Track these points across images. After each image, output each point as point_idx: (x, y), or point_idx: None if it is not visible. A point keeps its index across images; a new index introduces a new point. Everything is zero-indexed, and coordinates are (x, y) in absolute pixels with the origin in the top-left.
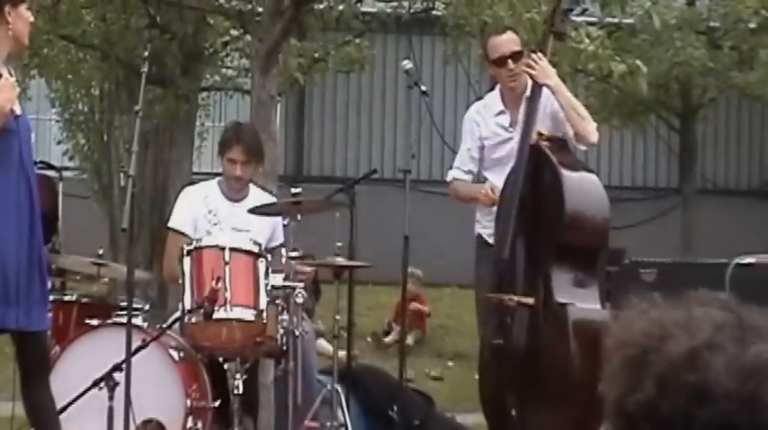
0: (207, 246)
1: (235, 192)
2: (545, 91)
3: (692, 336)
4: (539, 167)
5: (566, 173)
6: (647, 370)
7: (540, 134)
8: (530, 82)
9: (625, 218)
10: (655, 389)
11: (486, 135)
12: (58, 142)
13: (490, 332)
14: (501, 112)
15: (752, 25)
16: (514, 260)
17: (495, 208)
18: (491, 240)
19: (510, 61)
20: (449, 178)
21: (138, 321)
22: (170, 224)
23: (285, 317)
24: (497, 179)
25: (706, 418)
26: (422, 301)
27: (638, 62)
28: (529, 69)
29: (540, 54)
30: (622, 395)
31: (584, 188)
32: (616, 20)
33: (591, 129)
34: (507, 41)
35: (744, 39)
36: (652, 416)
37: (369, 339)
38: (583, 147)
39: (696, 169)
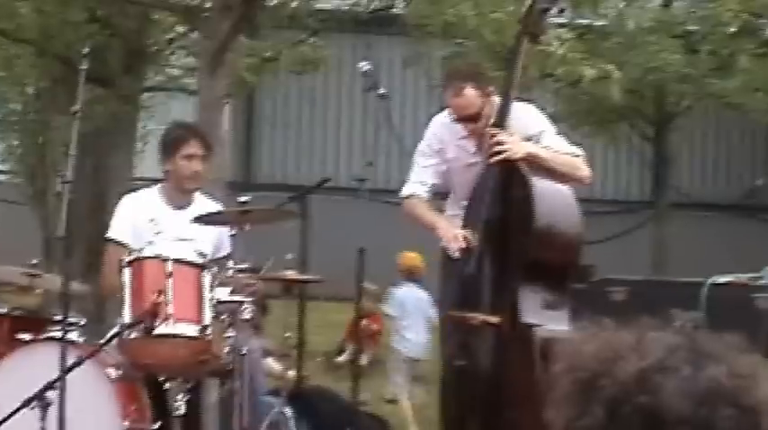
0: (148, 257)
1: (183, 194)
2: (518, 115)
3: (643, 358)
4: (508, 176)
5: (536, 183)
6: (597, 394)
7: None
8: (497, 103)
9: (594, 232)
10: (604, 413)
11: (449, 157)
12: None
13: (452, 352)
14: (465, 137)
15: (732, 29)
16: (480, 276)
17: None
18: (457, 255)
19: (466, 123)
20: (404, 192)
21: (73, 336)
22: (109, 234)
23: (231, 333)
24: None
25: None
26: (377, 319)
27: (611, 67)
28: (497, 154)
29: (494, 132)
30: (571, 421)
31: (556, 200)
32: (587, 21)
33: (582, 174)
34: (464, 107)
35: (723, 43)
36: None
37: (320, 359)
38: None
39: (670, 181)
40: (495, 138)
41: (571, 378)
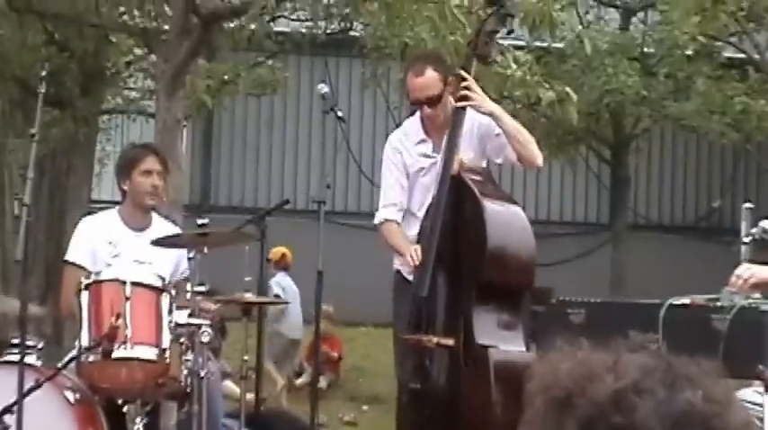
0: (106, 280)
1: (143, 213)
2: (470, 112)
3: (619, 378)
4: (460, 199)
5: (488, 205)
6: (571, 413)
7: (461, 164)
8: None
9: (552, 255)
10: None
11: (409, 163)
12: None
13: (408, 374)
14: (422, 141)
15: (688, 52)
16: (434, 298)
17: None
18: (410, 277)
19: (426, 107)
20: (377, 220)
21: (31, 360)
22: (67, 257)
23: (189, 356)
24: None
25: None
26: (334, 342)
27: (568, 89)
28: (466, 101)
29: (472, 82)
30: None
31: (508, 222)
32: (545, 44)
33: (536, 153)
34: (423, 87)
35: (679, 66)
36: None
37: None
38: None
39: (628, 204)
40: (465, 84)
41: (545, 396)
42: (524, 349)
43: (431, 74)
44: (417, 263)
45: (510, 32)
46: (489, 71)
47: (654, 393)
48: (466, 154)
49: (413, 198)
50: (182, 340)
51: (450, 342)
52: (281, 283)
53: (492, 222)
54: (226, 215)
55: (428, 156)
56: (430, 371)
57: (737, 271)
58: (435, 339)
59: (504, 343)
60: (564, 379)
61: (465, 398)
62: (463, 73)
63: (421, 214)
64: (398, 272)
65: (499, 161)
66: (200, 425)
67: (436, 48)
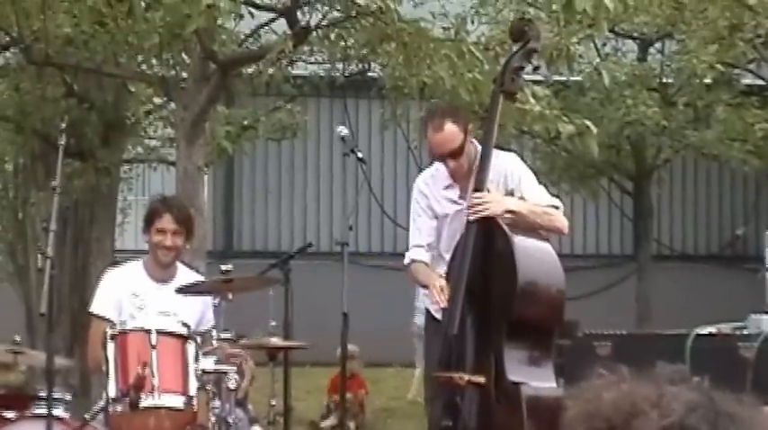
0: (132, 330)
1: (163, 267)
2: (499, 163)
3: (664, 415)
4: (489, 235)
5: (518, 241)
6: None
7: None
8: (479, 147)
9: (577, 288)
10: None
11: (437, 209)
12: None
13: (439, 413)
14: (449, 186)
15: (707, 80)
16: (464, 335)
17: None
18: (439, 315)
19: (448, 159)
20: (406, 260)
21: (59, 412)
22: (92, 309)
23: (217, 403)
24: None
25: None
26: (358, 382)
27: (588, 122)
28: (477, 213)
29: (477, 194)
30: None
31: (538, 258)
32: (563, 78)
33: (560, 225)
34: (444, 142)
35: (699, 95)
36: None
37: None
38: None
39: (651, 234)
40: (475, 197)
41: (587, 426)
42: (555, 385)
43: (450, 127)
44: (442, 298)
45: (537, 68)
46: (509, 106)
47: None
48: None
49: (441, 241)
50: (208, 387)
51: (482, 379)
52: None
53: (522, 258)
54: (249, 260)
55: (454, 202)
56: (461, 409)
57: None
58: (466, 377)
59: (536, 379)
60: (607, 409)
61: None
62: (477, 195)
63: (449, 256)
64: (428, 310)
65: None
66: None
67: (454, 86)
